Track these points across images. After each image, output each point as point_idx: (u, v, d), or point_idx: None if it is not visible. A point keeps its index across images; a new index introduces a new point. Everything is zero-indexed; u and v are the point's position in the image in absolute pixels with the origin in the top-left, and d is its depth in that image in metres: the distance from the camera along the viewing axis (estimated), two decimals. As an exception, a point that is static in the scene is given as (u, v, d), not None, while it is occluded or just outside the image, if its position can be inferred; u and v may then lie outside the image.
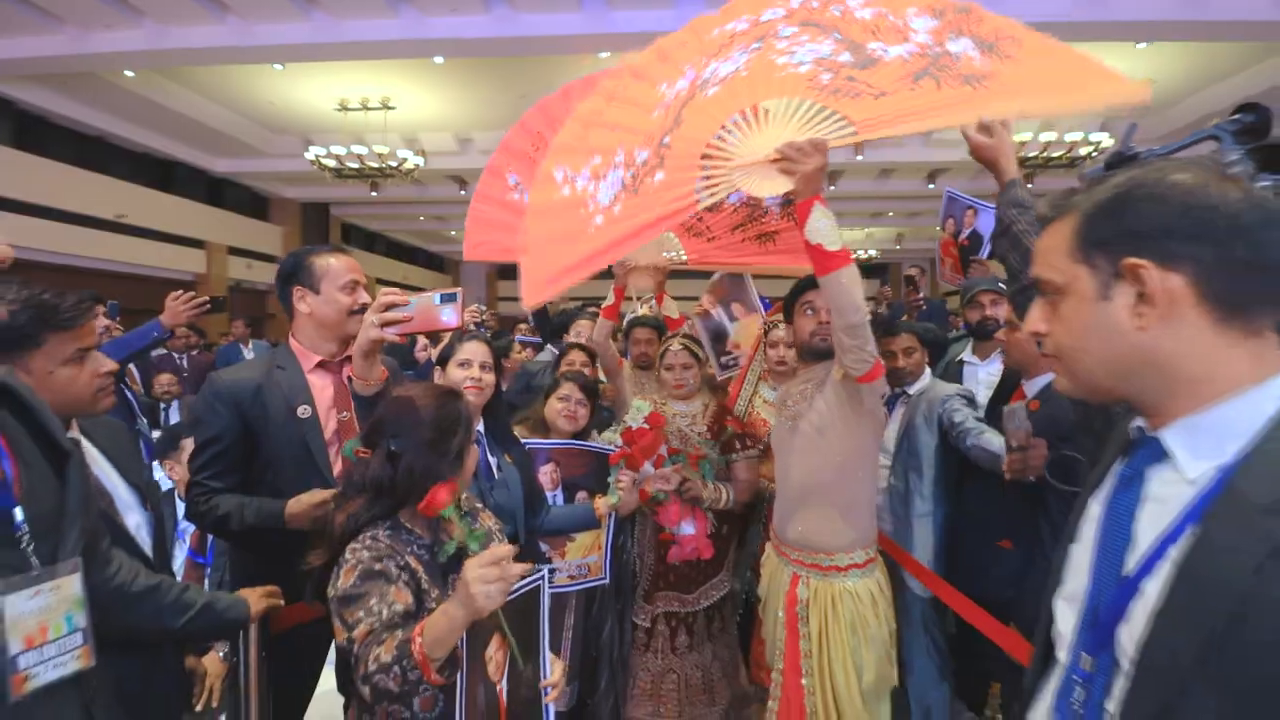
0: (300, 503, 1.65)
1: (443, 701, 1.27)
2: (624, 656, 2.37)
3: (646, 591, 2.37)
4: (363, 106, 9.37)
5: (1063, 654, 0.79)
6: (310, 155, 9.35)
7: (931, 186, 12.20)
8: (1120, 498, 0.75)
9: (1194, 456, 0.68)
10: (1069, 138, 8.39)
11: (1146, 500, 0.72)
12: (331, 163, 9.36)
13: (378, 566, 1.23)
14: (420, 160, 9.58)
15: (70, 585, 0.88)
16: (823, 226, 1.61)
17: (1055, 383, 0.80)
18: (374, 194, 11.01)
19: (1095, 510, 0.79)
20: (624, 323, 3.39)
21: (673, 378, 2.44)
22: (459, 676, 1.19)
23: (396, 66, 8.14)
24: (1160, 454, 0.71)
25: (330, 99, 9.26)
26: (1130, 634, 0.68)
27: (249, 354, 6.81)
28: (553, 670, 1.38)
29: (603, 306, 2.74)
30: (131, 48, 7.07)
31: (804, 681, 1.89)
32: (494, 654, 1.29)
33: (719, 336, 3.11)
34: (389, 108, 9.43)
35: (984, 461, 2.07)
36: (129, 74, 8.22)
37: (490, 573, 1.11)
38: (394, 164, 9.39)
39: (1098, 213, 0.72)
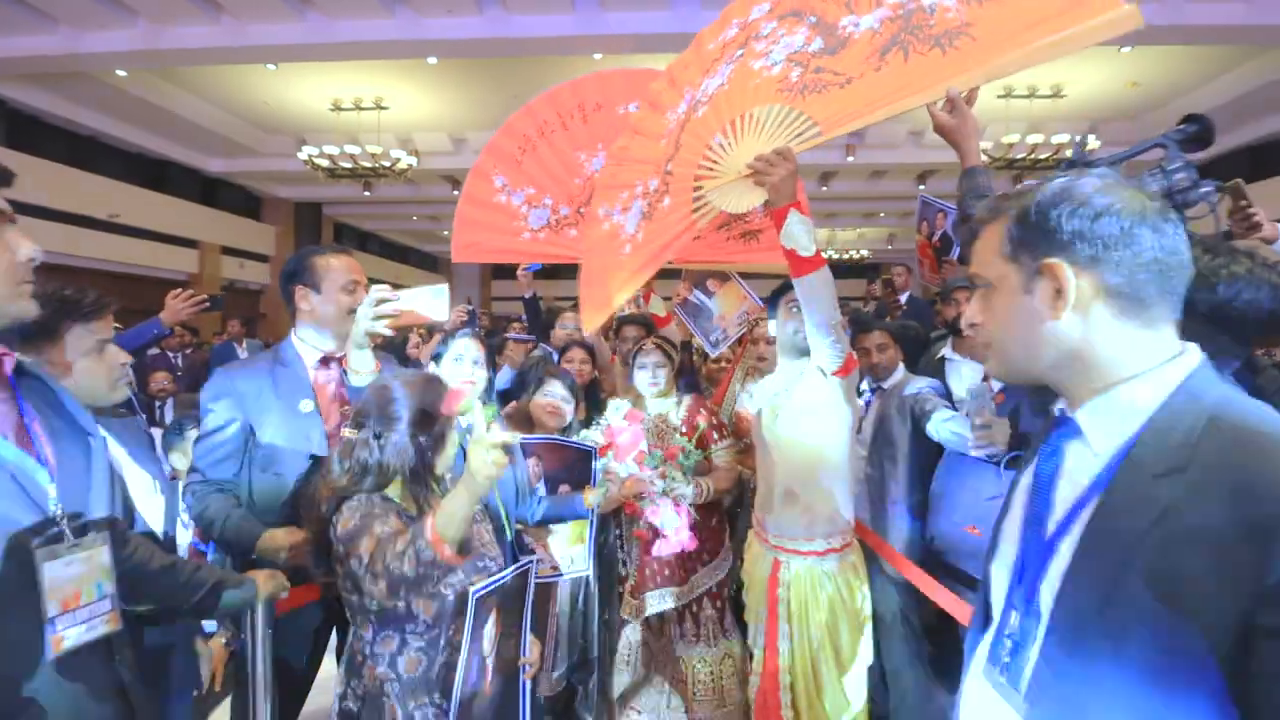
0: (274, 539, 1.69)
1: (424, 664, 1.38)
2: (612, 646, 2.44)
3: (634, 588, 2.40)
4: (356, 106, 9.41)
5: (997, 614, 0.88)
6: (304, 155, 9.36)
7: (922, 188, 12.33)
8: (1043, 471, 0.84)
9: (1101, 433, 0.78)
10: (1055, 139, 8.51)
11: (1065, 472, 0.82)
12: (325, 163, 9.37)
13: (376, 510, 1.36)
14: (414, 160, 9.60)
15: (100, 555, 0.96)
16: (797, 232, 1.68)
17: (986, 367, 0.89)
18: (367, 194, 11.04)
19: (1025, 484, 0.89)
20: (614, 321, 3.46)
21: (646, 377, 2.48)
22: (464, 646, 1.29)
23: (390, 67, 8.18)
24: (1076, 431, 0.81)
25: (324, 99, 9.30)
26: (1049, 589, 0.78)
27: (243, 353, 6.87)
28: (531, 650, 1.56)
29: None
30: (126, 47, 7.10)
31: (782, 660, 1.98)
32: (489, 629, 1.39)
33: (704, 316, 3.15)
34: (383, 108, 9.47)
35: (953, 444, 2.17)
36: (122, 73, 8.24)
37: (491, 454, 1.28)
38: (387, 164, 9.41)
39: (1023, 217, 0.82)
